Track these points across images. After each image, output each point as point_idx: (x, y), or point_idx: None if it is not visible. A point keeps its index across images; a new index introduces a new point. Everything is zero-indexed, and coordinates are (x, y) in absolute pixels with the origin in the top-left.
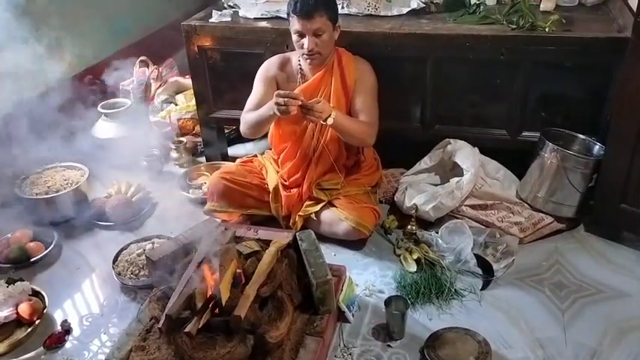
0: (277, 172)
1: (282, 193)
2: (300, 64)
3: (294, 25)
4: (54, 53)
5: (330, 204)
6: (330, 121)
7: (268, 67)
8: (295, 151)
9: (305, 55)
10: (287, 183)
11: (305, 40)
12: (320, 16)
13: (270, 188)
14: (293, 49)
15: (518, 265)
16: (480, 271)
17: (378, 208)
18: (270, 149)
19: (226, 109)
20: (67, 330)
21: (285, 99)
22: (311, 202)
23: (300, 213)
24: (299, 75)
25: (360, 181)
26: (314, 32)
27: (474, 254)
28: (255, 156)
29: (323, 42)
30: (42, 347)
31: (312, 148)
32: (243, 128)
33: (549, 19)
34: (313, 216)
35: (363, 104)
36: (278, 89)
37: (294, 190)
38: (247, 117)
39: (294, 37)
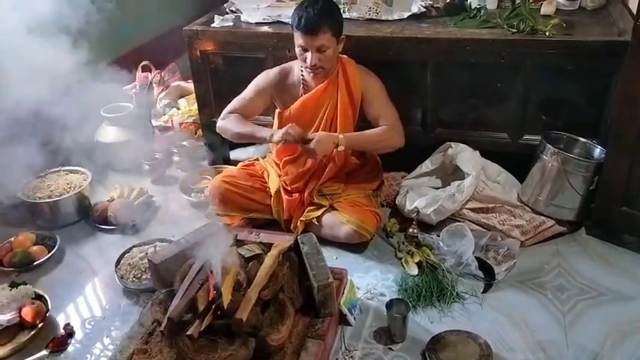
0: (279, 176)
1: (284, 197)
2: (302, 75)
3: (298, 39)
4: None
5: (331, 207)
6: (340, 148)
7: (266, 81)
8: (299, 162)
9: (308, 69)
10: (289, 188)
11: (308, 55)
12: (324, 33)
13: (272, 192)
14: (295, 55)
15: (520, 268)
16: (481, 274)
17: (380, 211)
18: (272, 152)
19: None
20: (69, 333)
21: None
22: (312, 207)
23: (301, 218)
24: (301, 86)
25: (361, 185)
26: (318, 48)
27: (476, 257)
28: (257, 159)
29: (326, 57)
30: (45, 350)
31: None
32: (223, 126)
33: (550, 23)
34: (315, 220)
35: (379, 110)
36: (276, 102)
37: (296, 195)
38: (236, 123)
39: (298, 50)
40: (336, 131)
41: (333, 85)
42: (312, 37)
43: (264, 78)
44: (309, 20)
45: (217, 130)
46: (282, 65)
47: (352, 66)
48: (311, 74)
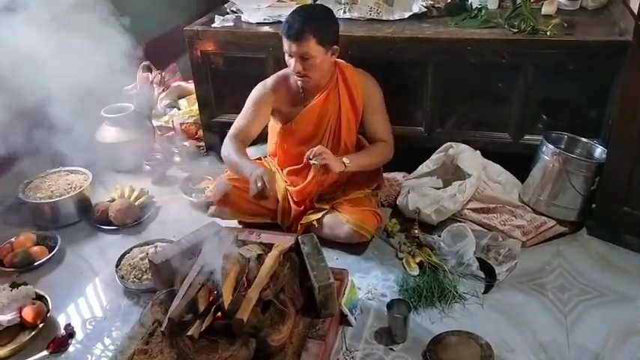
0: (285, 182)
1: (292, 206)
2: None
3: (284, 45)
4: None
5: (331, 208)
6: (349, 167)
7: (263, 92)
8: (303, 174)
9: (295, 76)
10: (297, 200)
11: (292, 61)
12: (307, 40)
13: (279, 197)
14: None
15: (521, 269)
16: (482, 274)
17: (380, 211)
18: (274, 158)
19: (229, 113)
20: (70, 334)
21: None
22: (312, 211)
23: (301, 222)
24: (302, 94)
25: (360, 185)
26: (301, 55)
27: (477, 258)
28: (260, 159)
29: (311, 66)
30: (45, 351)
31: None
32: (224, 153)
33: (551, 23)
34: (315, 222)
35: (378, 124)
36: (277, 113)
37: (302, 207)
38: (231, 154)
39: (286, 56)
40: (340, 140)
41: (334, 94)
42: (294, 43)
43: (260, 90)
44: (293, 26)
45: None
46: (277, 74)
47: (351, 71)
48: (299, 81)
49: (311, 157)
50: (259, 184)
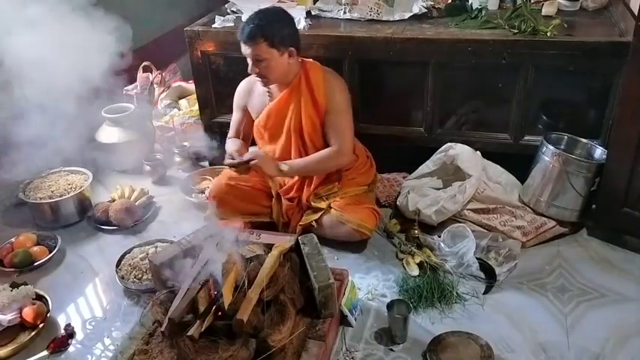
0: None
1: (283, 200)
2: None
3: (241, 48)
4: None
5: (329, 207)
6: (285, 170)
7: (238, 94)
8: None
9: (255, 76)
10: (287, 196)
11: (250, 63)
12: (257, 44)
13: (273, 191)
14: None
15: (521, 269)
16: (482, 275)
17: (377, 207)
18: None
19: (229, 113)
20: (70, 334)
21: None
22: (309, 211)
23: (300, 223)
24: (267, 94)
25: (356, 181)
26: (254, 57)
27: (477, 258)
28: None
29: (266, 68)
30: (45, 351)
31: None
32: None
33: (551, 24)
34: (313, 222)
35: (334, 124)
36: (249, 111)
37: (293, 202)
38: (227, 148)
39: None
40: (305, 142)
41: (296, 93)
42: (246, 45)
43: (237, 93)
44: (243, 30)
45: None
46: (251, 75)
47: (316, 70)
48: (259, 82)
49: (245, 158)
50: (230, 160)
